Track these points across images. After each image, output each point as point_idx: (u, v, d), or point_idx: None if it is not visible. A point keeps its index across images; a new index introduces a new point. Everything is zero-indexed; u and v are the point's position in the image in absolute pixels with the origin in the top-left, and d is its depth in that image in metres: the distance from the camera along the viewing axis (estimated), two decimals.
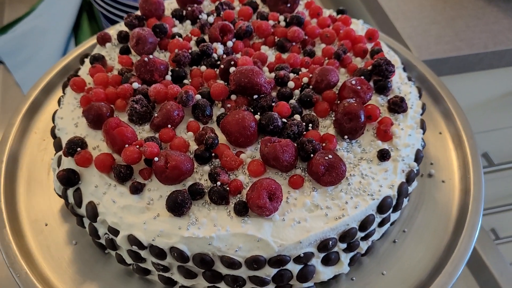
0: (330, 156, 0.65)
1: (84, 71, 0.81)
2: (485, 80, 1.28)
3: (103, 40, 0.85)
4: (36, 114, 0.89)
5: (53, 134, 0.76)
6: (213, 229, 0.61)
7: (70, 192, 0.69)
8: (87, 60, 0.83)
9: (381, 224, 0.69)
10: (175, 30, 0.86)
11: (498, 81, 1.31)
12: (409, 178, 0.70)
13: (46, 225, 0.75)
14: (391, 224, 0.74)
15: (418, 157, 0.72)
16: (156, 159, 0.63)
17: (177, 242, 0.61)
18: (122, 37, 0.84)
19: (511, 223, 1.71)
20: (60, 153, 0.72)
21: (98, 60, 0.80)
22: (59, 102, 0.80)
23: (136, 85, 0.74)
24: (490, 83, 1.30)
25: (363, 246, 0.69)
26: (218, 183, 0.64)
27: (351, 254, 0.68)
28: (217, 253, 0.61)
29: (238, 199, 0.64)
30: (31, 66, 1.38)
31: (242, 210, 0.62)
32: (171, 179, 0.64)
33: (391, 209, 0.68)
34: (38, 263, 0.70)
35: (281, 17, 0.87)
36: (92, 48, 0.96)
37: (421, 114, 0.78)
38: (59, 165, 0.72)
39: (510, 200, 1.64)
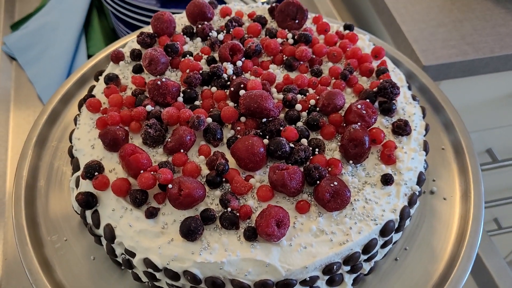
0: (336, 183, 0.68)
1: (99, 89, 0.84)
2: (490, 82, 1.29)
3: (117, 58, 0.87)
4: (54, 124, 0.93)
5: (71, 154, 0.80)
6: (224, 254, 0.65)
7: (88, 213, 0.73)
8: (101, 78, 0.86)
9: (383, 246, 0.73)
10: (186, 47, 0.88)
11: (504, 83, 1.32)
12: (411, 201, 0.73)
13: (66, 240, 0.79)
14: (393, 244, 0.77)
15: (420, 180, 0.75)
16: (170, 186, 0.67)
17: (190, 266, 0.65)
18: (135, 55, 0.86)
19: None
20: (78, 173, 0.76)
21: (112, 80, 0.83)
22: (75, 121, 0.83)
23: (149, 107, 0.77)
24: (495, 85, 1.31)
25: (366, 267, 0.73)
26: (229, 209, 0.67)
27: (355, 275, 0.72)
28: (228, 276, 0.65)
29: (247, 224, 0.67)
30: (43, 63, 1.40)
31: (251, 236, 0.66)
32: (184, 206, 0.67)
33: (393, 232, 0.71)
34: (59, 279, 0.75)
35: (289, 35, 0.88)
36: (106, 59, 0.99)
37: (425, 135, 0.80)
38: (77, 185, 0.76)
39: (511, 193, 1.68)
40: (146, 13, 1.23)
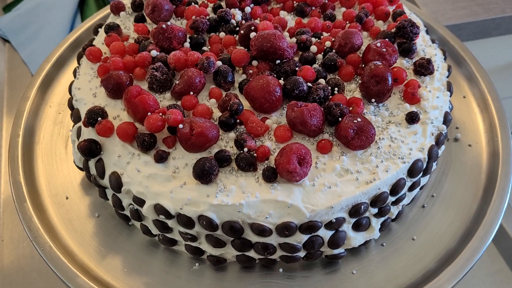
0: (359, 120, 0.63)
1: (99, 41, 0.79)
2: (503, 45, 1.25)
3: (117, 9, 0.82)
4: (49, 88, 0.87)
5: (71, 106, 0.74)
6: (242, 196, 0.60)
7: (91, 163, 0.68)
8: (101, 30, 0.81)
9: (411, 188, 0.68)
10: None
11: None
12: (439, 141, 0.68)
13: (67, 198, 0.73)
14: (420, 189, 0.73)
15: (446, 120, 0.70)
16: (180, 126, 0.62)
17: (205, 210, 0.59)
18: (137, 5, 0.81)
19: None
20: (79, 124, 0.70)
21: (113, 29, 0.78)
22: (74, 73, 0.77)
23: (154, 52, 0.72)
24: (509, 47, 1.27)
25: (394, 211, 0.68)
26: (245, 149, 0.62)
27: (382, 219, 0.67)
28: (247, 220, 0.60)
29: (266, 165, 0.62)
30: (37, 44, 1.35)
31: (271, 176, 0.61)
32: (196, 146, 0.62)
33: (421, 173, 0.66)
34: (61, 236, 0.69)
35: None
36: (103, 19, 0.94)
37: (447, 77, 0.75)
38: (78, 136, 0.70)
39: None
40: None
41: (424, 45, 0.77)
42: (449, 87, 0.74)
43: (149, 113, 0.64)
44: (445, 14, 1.15)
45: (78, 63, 0.79)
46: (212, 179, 0.60)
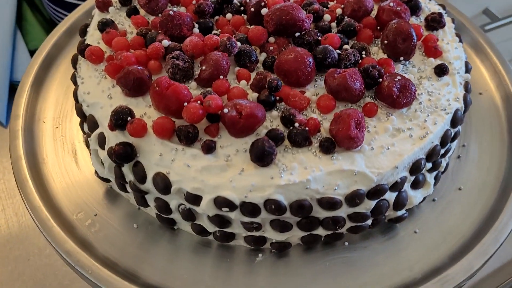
0: (399, 78, 0.62)
1: (93, 40, 0.72)
2: None
3: (104, 4, 0.75)
4: (38, 104, 0.78)
5: (81, 113, 0.67)
6: (307, 172, 0.57)
7: (126, 169, 0.61)
8: (90, 30, 0.74)
9: (453, 139, 0.68)
10: None
11: None
12: (468, 89, 0.69)
13: (96, 215, 0.66)
14: None
15: (468, 68, 0.72)
16: (226, 110, 0.57)
17: (272, 193, 0.56)
18: None
19: None
20: (100, 130, 0.63)
21: (108, 25, 0.71)
22: (74, 80, 0.70)
23: (166, 42, 0.66)
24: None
25: (443, 163, 0.68)
26: (296, 124, 0.59)
27: (434, 173, 0.67)
28: (316, 196, 0.57)
29: (320, 138, 0.59)
30: None
31: (330, 147, 0.58)
32: (247, 129, 0.58)
33: (461, 122, 0.67)
34: (104, 255, 0.62)
35: None
36: (78, 21, 0.86)
37: (454, 28, 0.77)
38: (101, 144, 0.63)
39: None
40: None
41: (425, 2, 0.78)
42: (460, 38, 0.75)
43: (185, 104, 0.59)
44: None
45: (75, 68, 0.71)
46: (273, 159, 0.57)
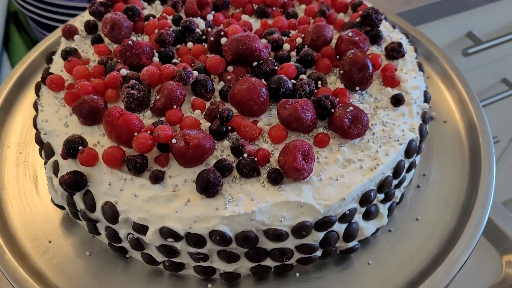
0: (352, 108, 0.63)
1: (57, 68, 0.73)
2: (438, 29, 1.30)
3: (70, 33, 0.77)
4: (3, 129, 0.79)
5: (39, 141, 0.68)
6: (253, 203, 0.57)
7: (77, 197, 0.62)
8: (55, 57, 0.75)
9: (408, 169, 0.68)
10: (146, 12, 0.80)
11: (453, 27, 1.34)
12: (425, 119, 0.69)
13: (50, 242, 0.67)
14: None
15: (426, 98, 0.72)
16: (174, 141, 0.58)
17: (217, 224, 0.56)
18: (91, 26, 0.77)
19: None
20: (54, 158, 0.64)
21: (71, 53, 0.73)
22: (35, 107, 0.71)
23: (124, 71, 0.67)
24: (443, 31, 1.33)
25: (397, 194, 0.68)
26: (245, 155, 0.59)
27: (388, 204, 0.67)
28: (261, 227, 0.57)
29: (268, 168, 0.60)
30: None
31: (277, 178, 0.58)
32: (195, 160, 0.59)
33: (416, 153, 0.67)
34: (53, 283, 0.62)
35: None
36: (50, 47, 0.88)
37: (416, 57, 0.77)
38: (55, 172, 0.64)
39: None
40: (68, 11, 1.11)
41: (387, 31, 0.79)
42: (421, 67, 0.76)
43: (135, 133, 0.60)
44: (382, 6, 1.18)
45: (37, 95, 0.72)
46: (219, 190, 0.57)
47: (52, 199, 0.67)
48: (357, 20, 0.76)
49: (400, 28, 0.93)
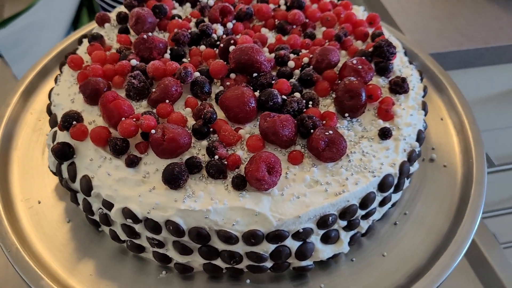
0: (331, 132, 0.64)
1: (82, 50, 0.80)
2: (486, 76, 1.27)
3: (102, 20, 0.84)
4: (32, 96, 0.88)
5: (49, 111, 0.75)
6: (210, 202, 0.60)
7: (64, 166, 0.68)
8: (85, 40, 0.82)
9: (382, 204, 0.68)
10: (174, 12, 0.85)
11: (499, 78, 1.30)
12: (411, 157, 0.68)
13: (39, 202, 0.73)
14: (392, 206, 0.73)
15: (420, 138, 0.71)
16: (153, 131, 0.62)
17: (172, 215, 0.59)
18: (121, 17, 0.83)
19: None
20: (55, 128, 0.71)
21: (96, 39, 0.79)
22: (56, 80, 0.78)
23: (134, 62, 0.73)
24: (491, 79, 1.29)
25: (364, 225, 0.68)
26: (216, 157, 0.62)
27: (352, 233, 0.67)
28: (214, 227, 0.60)
29: (236, 174, 0.62)
30: (29, 60, 1.37)
31: (240, 184, 0.61)
32: (168, 152, 0.63)
33: (392, 188, 0.67)
34: (30, 240, 0.69)
35: (282, 1, 0.86)
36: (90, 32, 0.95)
37: (423, 97, 0.76)
38: (54, 140, 0.71)
39: (511, 204, 1.61)
40: None
41: (401, 66, 0.79)
42: (424, 106, 0.75)
43: (123, 118, 0.64)
44: (428, 42, 1.17)
45: (60, 70, 0.80)
46: (181, 184, 0.60)
47: (49, 166, 0.74)
48: (370, 50, 0.77)
49: (427, 69, 0.92)
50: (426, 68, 0.93)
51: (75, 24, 1.47)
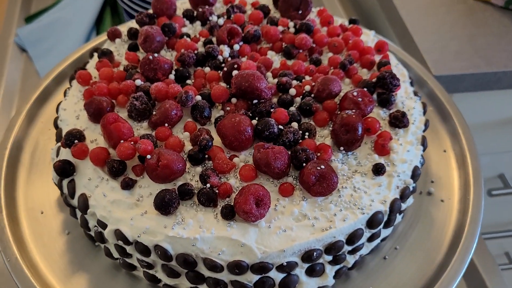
0: (323, 167, 0.64)
1: (92, 65, 0.82)
2: (503, 99, 1.24)
3: (113, 35, 0.86)
4: (45, 104, 0.91)
5: (56, 125, 0.78)
6: (198, 231, 0.61)
7: (65, 182, 0.70)
8: (96, 54, 0.85)
9: (370, 239, 0.68)
10: (184, 30, 0.86)
11: None
12: (404, 194, 0.69)
13: (42, 213, 0.76)
14: (382, 240, 0.73)
15: (415, 174, 0.71)
16: (148, 156, 0.64)
17: (161, 240, 0.61)
18: (132, 33, 0.85)
19: None
20: (59, 144, 0.73)
21: (106, 55, 0.82)
22: (65, 93, 0.81)
23: (139, 82, 0.75)
24: (509, 103, 1.26)
25: (350, 260, 0.68)
26: (208, 185, 0.64)
27: (337, 267, 0.67)
28: (200, 254, 0.61)
29: (226, 203, 0.64)
30: (52, 56, 1.41)
31: (228, 214, 0.62)
32: (161, 178, 0.64)
33: (381, 225, 0.67)
34: (30, 250, 0.72)
35: (291, 24, 0.86)
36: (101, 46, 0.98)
37: (424, 131, 0.76)
38: (57, 155, 0.73)
39: None
40: None
41: (404, 97, 0.78)
42: (423, 142, 0.75)
43: (122, 141, 0.67)
44: (446, 64, 1.15)
45: (70, 84, 0.82)
46: (171, 211, 0.62)
47: (52, 178, 0.77)
48: (373, 80, 0.77)
49: (433, 96, 0.91)
50: (433, 96, 0.93)
51: (98, 23, 1.50)
